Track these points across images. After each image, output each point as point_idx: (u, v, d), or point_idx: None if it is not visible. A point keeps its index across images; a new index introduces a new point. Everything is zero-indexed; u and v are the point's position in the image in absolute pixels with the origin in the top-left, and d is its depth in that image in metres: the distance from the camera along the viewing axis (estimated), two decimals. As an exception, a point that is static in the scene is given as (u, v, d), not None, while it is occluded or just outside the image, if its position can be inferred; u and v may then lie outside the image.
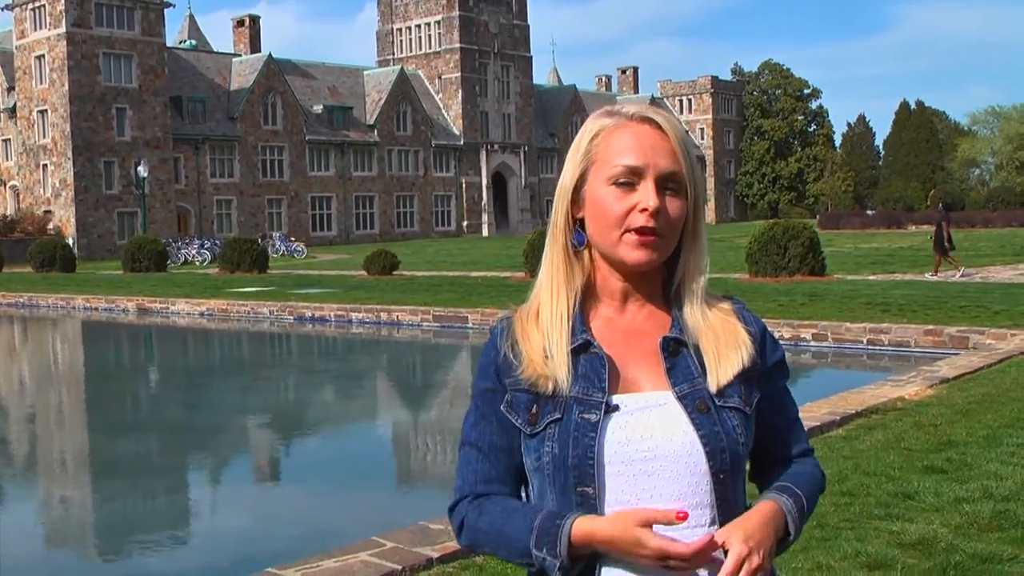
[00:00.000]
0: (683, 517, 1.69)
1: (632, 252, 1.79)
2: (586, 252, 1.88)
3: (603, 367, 1.80)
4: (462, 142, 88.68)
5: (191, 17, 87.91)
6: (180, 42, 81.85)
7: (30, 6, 66.69)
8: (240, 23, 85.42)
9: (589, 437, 1.76)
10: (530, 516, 1.79)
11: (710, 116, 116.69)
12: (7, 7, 68.66)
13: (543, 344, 1.84)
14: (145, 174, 59.43)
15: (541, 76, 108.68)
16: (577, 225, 1.87)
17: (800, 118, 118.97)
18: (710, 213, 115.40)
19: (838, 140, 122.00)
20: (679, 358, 1.83)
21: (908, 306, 18.20)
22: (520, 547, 1.78)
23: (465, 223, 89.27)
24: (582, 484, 1.76)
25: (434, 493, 8.86)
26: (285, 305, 25.26)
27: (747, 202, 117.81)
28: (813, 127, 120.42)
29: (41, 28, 66.13)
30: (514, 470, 1.88)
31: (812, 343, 16.28)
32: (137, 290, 31.67)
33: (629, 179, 1.79)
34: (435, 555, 5.51)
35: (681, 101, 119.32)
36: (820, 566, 5.26)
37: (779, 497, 1.85)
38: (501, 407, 1.86)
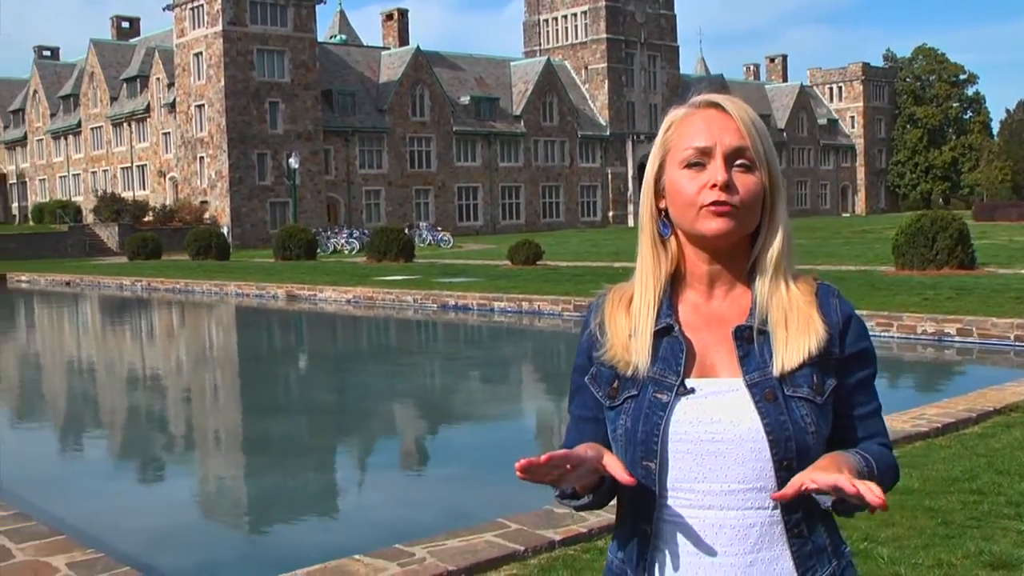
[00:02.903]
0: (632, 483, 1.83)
1: (709, 223, 1.88)
2: (673, 241, 1.98)
3: (681, 351, 1.92)
4: (608, 132, 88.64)
5: (341, 12, 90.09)
6: (331, 37, 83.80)
7: (189, 6, 69.30)
8: (389, 17, 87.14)
9: (658, 415, 1.89)
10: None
11: (861, 104, 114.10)
12: (168, 7, 71.54)
13: (629, 329, 1.97)
14: (296, 165, 61.06)
15: (688, 66, 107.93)
16: (663, 215, 1.99)
17: (955, 105, 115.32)
18: (860, 204, 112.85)
19: (995, 128, 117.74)
20: (752, 345, 1.91)
21: (1061, 301, 17.56)
22: None
23: (611, 213, 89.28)
24: (646, 459, 1.90)
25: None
26: (429, 293, 25.71)
27: (898, 192, 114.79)
28: (969, 114, 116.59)
29: (199, 27, 68.65)
30: (600, 439, 2.00)
31: (956, 338, 15.84)
32: (287, 277, 32.63)
33: (700, 160, 1.89)
34: (557, 538, 5.68)
35: (831, 89, 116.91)
36: (941, 563, 5.24)
37: (846, 452, 1.89)
38: (585, 379, 2.03)
